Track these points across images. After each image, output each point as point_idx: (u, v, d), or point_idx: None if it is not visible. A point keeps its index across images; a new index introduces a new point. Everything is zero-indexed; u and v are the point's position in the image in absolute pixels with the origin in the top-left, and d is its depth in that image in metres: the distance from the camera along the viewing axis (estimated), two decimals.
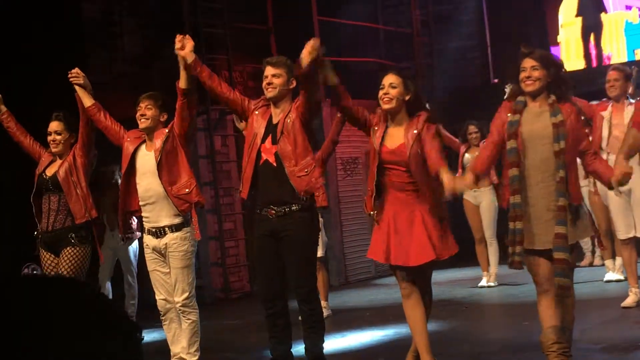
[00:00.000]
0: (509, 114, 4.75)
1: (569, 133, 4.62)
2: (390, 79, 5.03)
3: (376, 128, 5.06)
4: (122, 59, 10.39)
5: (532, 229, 4.66)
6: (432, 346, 5.10)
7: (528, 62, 4.70)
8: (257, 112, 5.30)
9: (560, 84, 4.73)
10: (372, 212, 5.08)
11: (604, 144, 6.86)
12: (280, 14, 10.74)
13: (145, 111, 5.60)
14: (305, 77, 4.96)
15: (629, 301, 6.87)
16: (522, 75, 4.71)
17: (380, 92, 5.03)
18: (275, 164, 5.18)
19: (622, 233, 6.90)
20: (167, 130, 5.56)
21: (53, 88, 8.61)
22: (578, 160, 4.88)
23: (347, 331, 7.17)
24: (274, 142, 5.19)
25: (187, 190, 5.53)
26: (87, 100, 5.78)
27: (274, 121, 5.25)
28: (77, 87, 5.79)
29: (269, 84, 5.21)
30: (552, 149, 4.62)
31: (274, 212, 5.18)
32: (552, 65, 4.74)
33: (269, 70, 5.22)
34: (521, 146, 4.68)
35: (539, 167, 4.65)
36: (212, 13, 10.32)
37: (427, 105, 5.15)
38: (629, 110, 6.69)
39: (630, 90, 6.84)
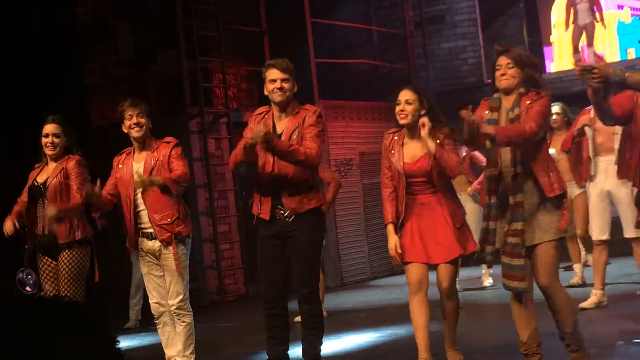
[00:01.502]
0: (486, 112, 4.77)
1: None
2: (406, 96, 5.19)
3: (393, 151, 5.21)
4: (116, 62, 10.39)
5: (497, 228, 4.67)
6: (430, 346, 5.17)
7: (503, 60, 4.71)
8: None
9: (534, 85, 4.72)
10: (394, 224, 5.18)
11: (590, 153, 6.92)
12: (273, 16, 10.75)
13: (140, 119, 5.54)
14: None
15: (589, 302, 6.87)
16: (497, 73, 4.73)
17: (397, 108, 5.20)
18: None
19: (595, 234, 6.92)
20: (155, 159, 5.52)
21: (49, 91, 8.62)
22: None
23: (343, 332, 7.17)
24: None
25: (169, 220, 5.50)
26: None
27: (279, 129, 5.24)
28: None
29: (280, 88, 5.19)
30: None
31: (282, 212, 5.19)
32: (528, 65, 4.72)
33: (278, 74, 5.19)
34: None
35: (505, 164, 4.65)
36: (206, 15, 10.32)
37: (442, 119, 5.22)
38: None
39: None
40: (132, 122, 5.53)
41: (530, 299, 4.79)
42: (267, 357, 5.39)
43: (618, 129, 6.63)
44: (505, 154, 4.65)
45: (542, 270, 4.64)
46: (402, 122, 5.18)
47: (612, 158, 6.72)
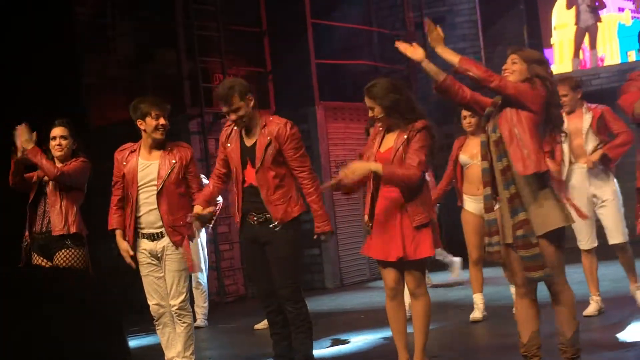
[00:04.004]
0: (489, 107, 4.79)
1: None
2: (368, 104, 5.17)
3: (374, 141, 5.21)
4: (115, 62, 10.37)
5: (504, 223, 4.62)
6: (427, 348, 5.18)
7: (509, 58, 4.74)
8: (229, 145, 5.38)
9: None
10: (369, 223, 5.15)
11: (565, 159, 6.60)
12: (273, 16, 10.73)
13: (165, 122, 5.57)
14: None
15: (591, 309, 6.73)
16: (502, 68, 4.74)
17: (370, 114, 5.18)
18: (258, 185, 5.30)
19: (586, 244, 6.66)
20: (173, 160, 5.53)
21: (47, 91, 8.60)
22: None
23: (342, 334, 7.16)
24: (254, 166, 5.28)
25: (181, 223, 5.54)
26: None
27: (248, 143, 5.32)
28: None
29: (233, 120, 5.29)
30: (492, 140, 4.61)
31: (255, 218, 5.31)
32: (534, 62, 4.71)
33: (226, 109, 5.27)
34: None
35: (496, 159, 4.63)
36: (206, 15, 10.30)
37: (420, 110, 5.19)
38: (587, 118, 6.54)
39: (579, 96, 6.63)
40: (160, 123, 5.53)
41: (533, 299, 4.75)
42: (273, 352, 5.52)
43: (585, 130, 6.47)
44: (494, 146, 4.63)
45: (547, 263, 4.58)
46: (380, 127, 5.21)
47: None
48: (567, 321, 4.69)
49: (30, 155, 5.81)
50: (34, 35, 8.94)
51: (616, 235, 6.61)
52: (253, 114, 5.29)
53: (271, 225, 5.26)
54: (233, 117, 5.24)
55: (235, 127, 5.37)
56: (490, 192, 4.65)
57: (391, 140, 5.12)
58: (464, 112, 6.82)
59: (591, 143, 6.56)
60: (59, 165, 5.97)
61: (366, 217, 5.23)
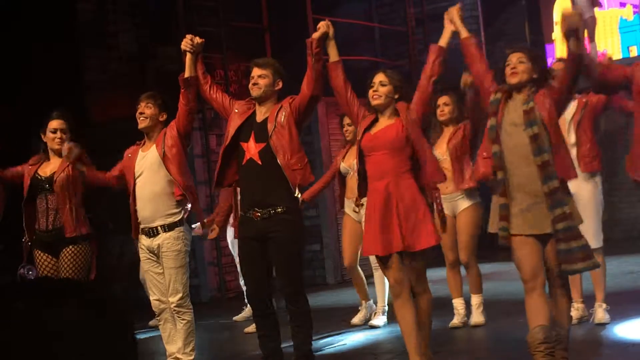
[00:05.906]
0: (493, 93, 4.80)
1: (539, 117, 4.61)
2: (380, 78, 5.23)
3: (362, 121, 5.19)
4: (117, 58, 10.38)
5: (518, 214, 4.63)
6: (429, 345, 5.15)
7: (514, 56, 4.74)
8: (236, 111, 5.39)
9: (544, 81, 4.74)
10: (359, 200, 5.14)
11: None
12: (275, 12, 10.74)
13: (145, 109, 5.61)
14: (314, 54, 5.15)
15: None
16: (507, 68, 4.74)
17: (370, 91, 5.18)
18: (260, 162, 5.21)
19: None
20: (161, 149, 5.57)
21: (49, 88, 8.60)
22: None
23: (343, 330, 7.17)
24: (259, 140, 5.23)
25: (188, 184, 5.60)
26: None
27: (258, 119, 5.31)
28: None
29: (254, 84, 5.32)
30: (526, 135, 4.62)
31: (259, 214, 5.20)
32: (539, 62, 4.73)
33: (256, 71, 5.35)
34: (500, 129, 4.70)
35: (517, 152, 4.64)
36: (207, 12, 10.32)
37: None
38: (572, 105, 6.11)
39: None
40: (138, 112, 5.62)
41: (542, 292, 4.74)
42: (261, 354, 5.43)
43: (568, 122, 6.14)
44: (526, 144, 4.62)
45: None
46: (374, 102, 5.13)
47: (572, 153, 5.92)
48: (567, 315, 4.80)
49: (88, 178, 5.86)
50: (35, 32, 8.95)
51: (595, 237, 5.98)
52: (272, 97, 5.33)
53: (296, 195, 5.19)
54: (254, 80, 5.29)
55: (246, 106, 5.39)
56: (504, 175, 4.65)
57: (383, 124, 5.10)
58: (441, 101, 6.84)
59: (573, 136, 6.14)
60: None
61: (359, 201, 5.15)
